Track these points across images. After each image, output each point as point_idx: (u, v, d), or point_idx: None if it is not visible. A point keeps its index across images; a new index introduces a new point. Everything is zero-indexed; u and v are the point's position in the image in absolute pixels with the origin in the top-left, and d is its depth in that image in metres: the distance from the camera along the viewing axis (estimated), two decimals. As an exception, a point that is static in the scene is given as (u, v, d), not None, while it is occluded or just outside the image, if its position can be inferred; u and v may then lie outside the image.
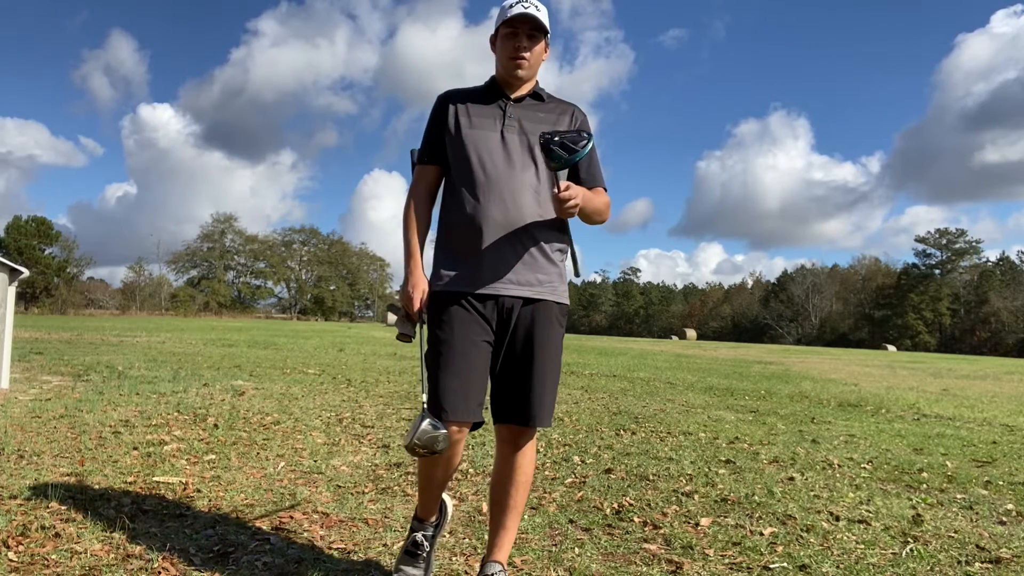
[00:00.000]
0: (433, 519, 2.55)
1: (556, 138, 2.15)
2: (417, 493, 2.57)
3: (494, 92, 2.40)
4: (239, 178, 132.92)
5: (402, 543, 2.84)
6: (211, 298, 72.04)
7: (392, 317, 2.49)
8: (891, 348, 49.45)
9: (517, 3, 2.29)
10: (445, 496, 2.60)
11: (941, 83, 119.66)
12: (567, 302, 2.41)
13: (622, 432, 5.80)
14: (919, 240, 74.81)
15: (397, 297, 2.43)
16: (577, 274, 2.49)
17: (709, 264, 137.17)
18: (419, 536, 2.49)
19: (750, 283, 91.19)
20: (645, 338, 61.04)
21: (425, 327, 2.34)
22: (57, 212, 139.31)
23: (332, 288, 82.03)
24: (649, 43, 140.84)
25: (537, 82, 2.44)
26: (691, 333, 59.74)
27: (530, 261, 2.30)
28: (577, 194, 2.19)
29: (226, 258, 79.21)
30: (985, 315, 65.31)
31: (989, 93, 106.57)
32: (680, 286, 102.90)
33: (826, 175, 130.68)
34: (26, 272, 7.09)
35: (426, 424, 2.13)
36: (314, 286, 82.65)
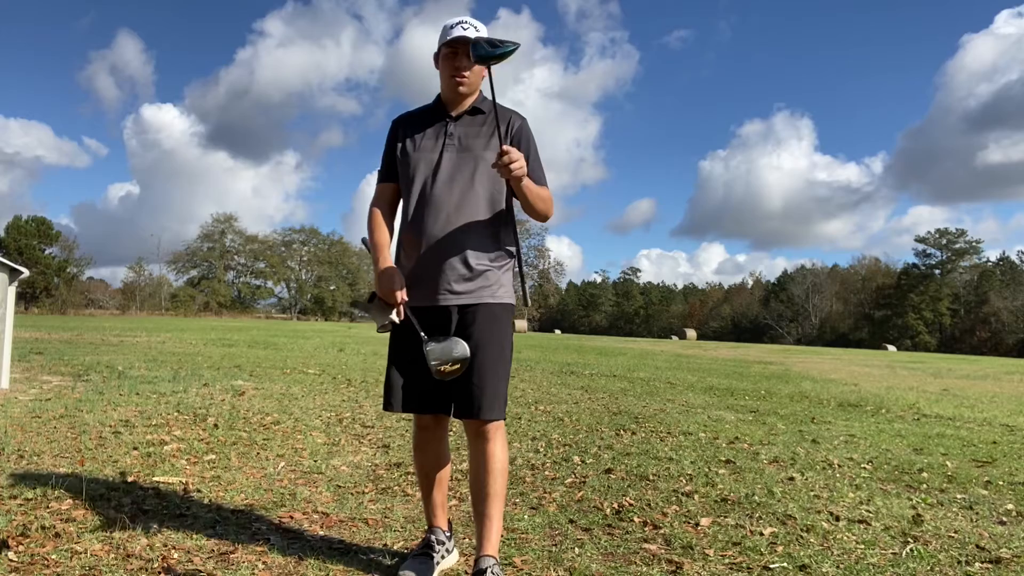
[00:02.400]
0: (445, 529, 2.67)
1: (484, 39, 2.27)
2: (419, 495, 2.69)
3: (438, 112, 2.57)
4: (243, 178, 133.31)
5: (402, 543, 2.85)
6: (211, 298, 72.07)
7: (370, 318, 2.61)
8: (891, 348, 49.43)
9: (457, 24, 2.44)
10: (455, 547, 2.74)
11: (945, 84, 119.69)
12: (510, 301, 2.55)
13: (622, 432, 5.80)
14: (919, 240, 74.87)
15: (364, 298, 2.56)
16: (526, 303, 2.66)
17: (711, 264, 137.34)
18: (432, 538, 2.62)
19: (750, 283, 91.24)
20: (645, 338, 61.02)
21: (404, 315, 2.46)
22: (60, 212, 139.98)
23: (332, 288, 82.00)
24: (654, 44, 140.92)
25: (480, 93, 2.58)
26: (691, 333, 59.69)
27: (466, 273, 2.47)
28: (519, 157, 2.29)
29: (226, 258, 79.26)
30: (985, 315, 65.29)
31: (992, 94, 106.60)
32: (681, 286, 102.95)
33: (829, 175, 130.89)
34: (26, 272, 7.09)
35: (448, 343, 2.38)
36: (314, 286, 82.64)
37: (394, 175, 2.59)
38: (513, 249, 2.59)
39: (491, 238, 2.51)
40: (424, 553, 2.57)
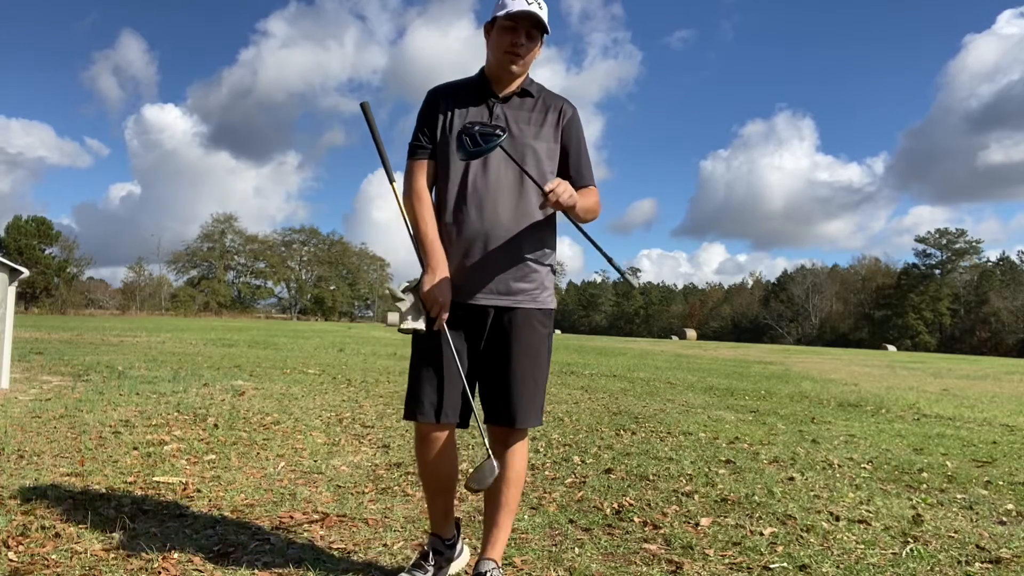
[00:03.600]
0: (448, 538, 2.50)
1: (474, 128, 2.12)
2: (422, 496, 2.60)
3: (483, 90, 2.36)
4: (245, 178, 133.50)
5: (402, 543, 2.85)
6: (211, 298, 72.13)
7: (396, 310, 2.30)
8: (891, 348, 49.43)
9: None
10: (464, 545, 2.62)
11: (947, 84, 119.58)
12: (551, 306, 2.41)
13: (622, 432, 5.80)
14: (919, 240, 74.97)
15: (402, 287, 2.32)
16: (632, 286, 2.48)
17: (711, 264, 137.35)
18: (427, 547, 2.48)
19: (750, 283, 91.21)
20: (645, 338, 61.03)
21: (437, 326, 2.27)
22: (61, 212, 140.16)
23: (332, 288, 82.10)
24: (656, 44, 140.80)
25: (528, 75, 2.39)
26: (691, 333, 59.74)
27: (510, 270, 2.29)
28: (566, 187, 2.13)
29: (226, 258, 79.34)
30: (985, 315, 65.30)
31: (994, 94, 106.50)
32: (681, 286, 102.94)
33: (831, 176, 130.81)
34: (26, 272, 7.09)
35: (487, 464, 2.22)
36: (314, 286, 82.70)
37: (435, 151, 2.35)
38: (553, 249, 2.43)
39: (538, 235, 2.34)
40: (418, 565, 2.43)
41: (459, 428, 2.39)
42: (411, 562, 2.49)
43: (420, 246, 2.32)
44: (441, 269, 2.27)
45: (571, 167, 2.38)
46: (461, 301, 2.30)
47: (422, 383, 2.30)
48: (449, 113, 2.34)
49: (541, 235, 2.36)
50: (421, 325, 2.26)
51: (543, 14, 2.28)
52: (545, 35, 2.34)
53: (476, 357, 2.36)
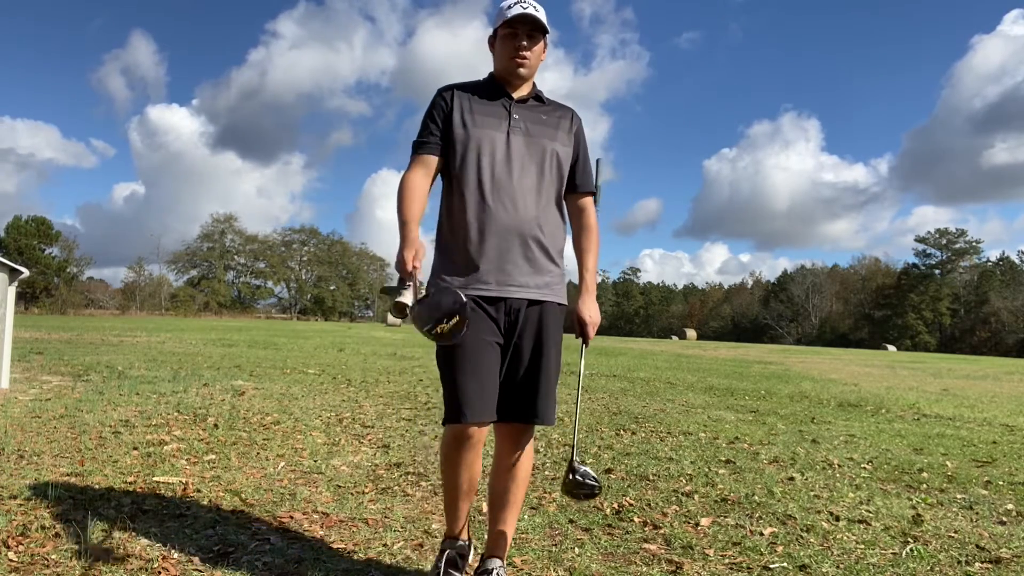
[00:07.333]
0: (464, 536, 2.48)
1: (577, 489, 2.29)
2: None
3: (496, 90, 2.40)
4: (250, 179, 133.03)
5: (402, 543, 2.85)
6: (211, 298, 72.08)
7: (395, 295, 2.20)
8: (891, 348, 49.41)
9: (516, 3, 2.31)
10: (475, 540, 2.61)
11: (952, 84, 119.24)
12: (566, 303, 2.47)
13: (622, 432, 5.80)
14: (919, 240, 74.88)
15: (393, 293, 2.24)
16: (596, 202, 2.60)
17: (714, 264, 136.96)
18: (453, 553, 2.43)
19: (750, 283, 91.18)
20: (645, 338, 61.01)
21: (420, 293, 2.18)
22: (64, 212, 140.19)
23: (332, 288, 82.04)
24: (664, 46, 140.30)
25: (534, 83, 2.47)
26: (691, 333, 59.70)
27: (535, 263, 2.34)
28: (591, 330, 2.43)
29: (226, 258, 79.25)
30: (985, 315, 65.29)
31: (999, 95, 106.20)
32: (681, 286, 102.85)
33: (836, 176, 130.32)
34: (26, 272, 7.09)
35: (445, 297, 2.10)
36: (314, 286, 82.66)
37: (441, 148, 2.35)
38: (564, 246, 2.49)
39: (556, 231, 2.40)
40: (456, 566, 2.40)
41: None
42: (444, 563, 2.41)
43: (400, 223, 2.25)
44: (411, 240, 2.19)
45: (578, 173, 2.47)
46: (494, 296, 2.28)
47: (466, 383, 2.22)
48: (464, 110, 2.34)
49: (558, 231, 2.43)
50: (406, 299, 2.11)
51: (540, 15, 2.32)
52: (547, 36, 2.40)
53: (505, 353, 2.32)
